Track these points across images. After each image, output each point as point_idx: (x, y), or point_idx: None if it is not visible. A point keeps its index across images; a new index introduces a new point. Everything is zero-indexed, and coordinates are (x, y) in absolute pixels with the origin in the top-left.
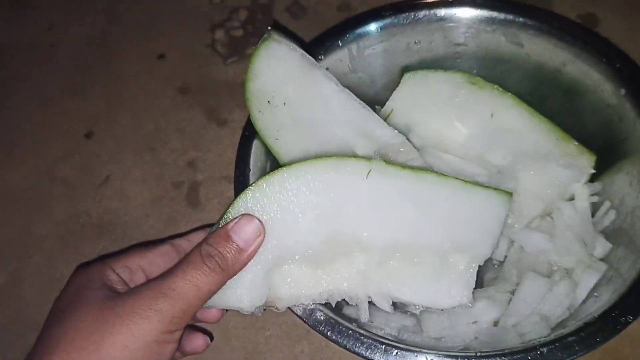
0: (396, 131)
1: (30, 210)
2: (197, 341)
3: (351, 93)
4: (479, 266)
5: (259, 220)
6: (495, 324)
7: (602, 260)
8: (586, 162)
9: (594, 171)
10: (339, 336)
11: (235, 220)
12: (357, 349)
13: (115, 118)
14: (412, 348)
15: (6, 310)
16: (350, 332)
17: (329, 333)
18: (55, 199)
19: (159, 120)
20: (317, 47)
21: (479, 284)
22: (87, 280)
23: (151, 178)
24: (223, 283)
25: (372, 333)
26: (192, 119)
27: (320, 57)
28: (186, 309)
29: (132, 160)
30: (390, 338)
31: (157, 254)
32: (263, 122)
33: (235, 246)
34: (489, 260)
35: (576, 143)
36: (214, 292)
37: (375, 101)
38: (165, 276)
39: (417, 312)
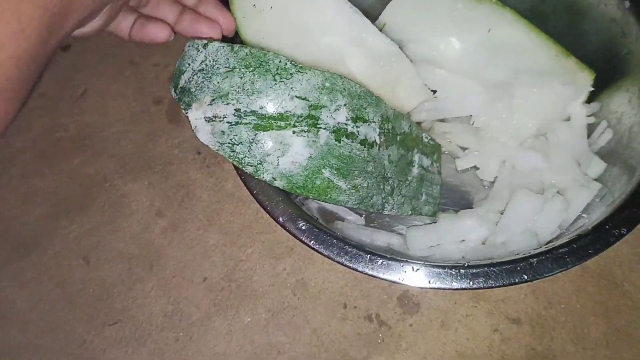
0: (390, 40)
1: None
2: (159, 29)
3: None
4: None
5: None
6: (484, 242)
7: (596, 180)
8: (585, 79)
9: (592, 89)
10: (322, 246)
11: None
12: (340, 259)
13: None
14: (397, 258)
15: None
16: (334, 241)
17: (312, 242)
18: (32, 112)
19: None
20: None
21: (468, 205)
22: None
23: (131, 93)
24: None
25: (357, 243)
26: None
27: None
28: None
29: (111, 74)
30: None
31: None
32: (248, 28)
33: None
34: (479, 181)
35: (575, 59)
36: None
37: (367, 15)
38: None
39: (403, 231)
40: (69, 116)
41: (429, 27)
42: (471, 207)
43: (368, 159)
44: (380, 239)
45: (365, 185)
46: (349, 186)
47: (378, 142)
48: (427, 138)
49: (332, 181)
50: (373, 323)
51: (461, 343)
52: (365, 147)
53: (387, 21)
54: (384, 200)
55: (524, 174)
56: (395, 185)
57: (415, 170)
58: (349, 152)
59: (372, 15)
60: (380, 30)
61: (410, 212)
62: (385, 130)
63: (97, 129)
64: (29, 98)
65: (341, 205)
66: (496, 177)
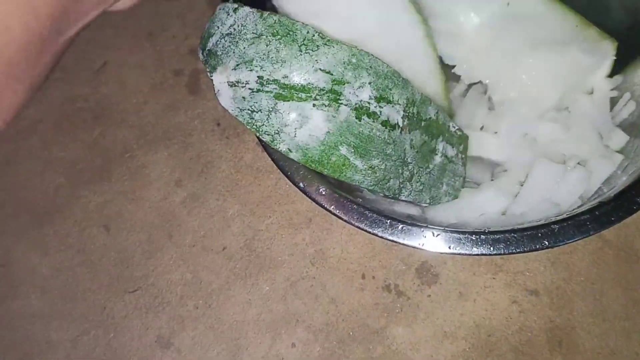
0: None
1: None
2: None
3: None
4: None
5: None
6: (504, 213)
7: (618, 152)
8: (607, 47)
9: (614, 57)
10: (342, 211)
11: None
12: (360, 224)
13: None
14: (418, 223)
15: (0, 191)
16: (354, 207)
17: (332, 208)
18: (50, 84)
19: (159, 5)
20: None
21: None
22: None
23: (150, 65)
24: None
25: (377, 209)
26: (194, 5)
27: None
28: None
29: (130, 47)
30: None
31: None
32: None
33: None
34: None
35: (596, 29)
36: None
37: None
38: None
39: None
40: (89, 88)
41: (448, 1)
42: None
43: (388, 141)
44: (400, 209)
45: (382, 167)
46: (365, 166)
47: (401, 125)
48: (454, 127)
49: (349, 159)
50: (391, 293)
51: (479, 314)
52: (386, 128)
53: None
54: (401, 185)
55: (545, 146)
56: (415, 172)
57: (437, 159)
58: (369, 132)
59: None
60: None
61: (428, 201)
62: (410, 114)
63: (116, 100)
64: (40, 85)
65: (355, 184)
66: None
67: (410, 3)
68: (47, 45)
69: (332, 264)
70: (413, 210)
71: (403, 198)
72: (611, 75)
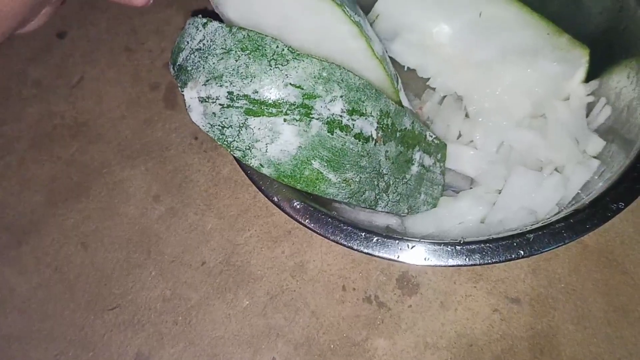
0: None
1: (1, 112)
2: None
3: None
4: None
5: None
6: (482, 221)
7: (595, 158)
8: (579, 55)
9: (586, 65)
10: (317, 225)
11: None
12: (336, 238)
13: (89, 18)
14: (393, 235)
15: None
16: (329, 220)
17: (307, 222)
18: (27, 101)
19: (135, 20)
20: None
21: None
22: None
23: (127, 79)
24: None
25: (352, 221)
26: (170, 19)
27: None
28: None
29: (107, 61)
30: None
31: None
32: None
33: None
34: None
35: (568, 36)
36: None
37: (361, 7)
38: None
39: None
40: (66, 104)
41: (420, 14)
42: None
43: (362, 153)
44: (379, 220)
45: (357, 179)
46: (339, 179)
47: (374, 137)
48: (431, 136)
49: (322, 173)
50: (372, 304)
51: (461, 323)
52: (359, 141)
53: (381, 12)
54: (377, 197)
55: (522, 153)
56: (391, 183)
57: (414, 169)
58: (342, 145)
59: (365, 7)
60: (374, 21)
61: (406, 211)
62: (384, 126)
63: (93, 116)
64: None
65: (330, 197)
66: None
67: (345, 15)
68: None
69: (312, 277)
70: (393, 221)
71: (380, 209)
72: (587, 80)
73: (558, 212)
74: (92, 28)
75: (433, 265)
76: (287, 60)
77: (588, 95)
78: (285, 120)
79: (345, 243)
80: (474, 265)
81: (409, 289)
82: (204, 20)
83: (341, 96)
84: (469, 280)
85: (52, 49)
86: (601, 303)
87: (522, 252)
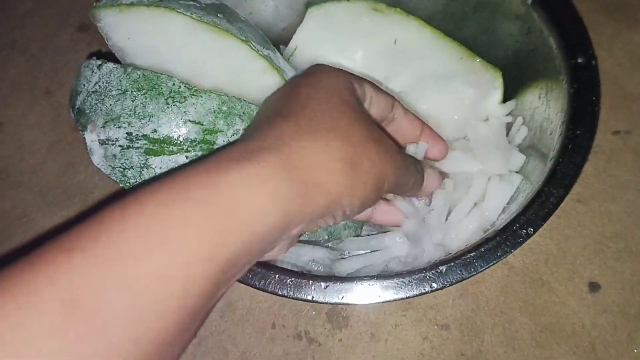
0: None
1: None
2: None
3: None
4: None
5: None
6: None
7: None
8: (492, 78)
9: (501, 87)
10: None
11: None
12: (249, 281)
13: (8, 59)
14: (308, 275)
15: None
16: None
17: None
18: None
19: (56, 60)
20: None
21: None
22: (338, 79)
23: (48, 122)
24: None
25: (267, 264)
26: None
27: None
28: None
29: (27, 104)
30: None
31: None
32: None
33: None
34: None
35: (479, 60)
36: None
37: (281, 41)
38: None
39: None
40: None
41: (337, 45)
42: None
43: None
44: (305, 253)
45: None
46: None
47: None
48: None
49: None
50: (302, 341)
51: (392, 354)
52: None
53: (298, 44)
54: None
55: (452, 174)
56: None
57: None
58: None
59: (285, 40)
60: (292, 54)
61: (327, 237)
62: None
63: (14, 161)
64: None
65: None
66: None
67: (252, 49)
68: (199, 315)
69: (241, 316)
70: (318, 253)
71: (300, 237)
72: (504, 101)
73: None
74: (11, 70)
75: (347, 304)
76: (185, 97)
77: (506, 115)
78: (187, 157)
79: (259, 286)
80: (387, 302)
81: (338, 323)
82: (99, 62)
83: (243, 129)
84: (398, 309)
85: None
86: (529, 324)
87: (435, 285)
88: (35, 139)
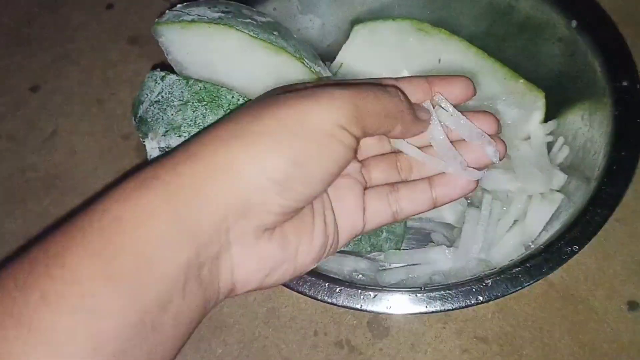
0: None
1: None
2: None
3: None
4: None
5: None
6: (451, 270)
7: (558, 191)
8: (534, 99)
9: (543, 108)
10: None
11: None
12: (300, 288)
13: (61, 71)
14: (357, 285)
15: None
16: None
17: None
18: (0, 155)
19: (107, 72)
20: None
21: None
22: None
23: (99, 130)
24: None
25: (317, 272)
26: (141, 70)
27: None
28: (362, 106)
29: (79, 113)
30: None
31: (359, 83)
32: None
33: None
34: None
35: (522, 81)
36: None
37: (325, 57)
38: None
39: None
40: (38, 157)
41: (382, 62)
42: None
43: None
44: (348, 263)
45: None
46: None
47: None
48: None
49: None
50: (344, 349)
51: None
52: None
53: (344, 61)
54: None
55: (494, 192)
56: None
57: None
58: None
59: (329, 56)
60: (338, 70)
61: (369, 249)
62: None
63: (66, 168)
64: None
65: None
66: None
67: (305, 66)
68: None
69: (284, 323)
70: (361, 264)
71: (342, 249)
72: (546, 120)
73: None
74: (64, 81)
75: (395, 314)
76: None
77: (547, 134)
78: None
79: (310, 294)
80: (435, 312)
81: (379, 332)
82: (162, 73)
83: None
84: (438, 321)
85: (25, 103)
86: (567, 340)
87: (480, 298)
88: (87, 147)
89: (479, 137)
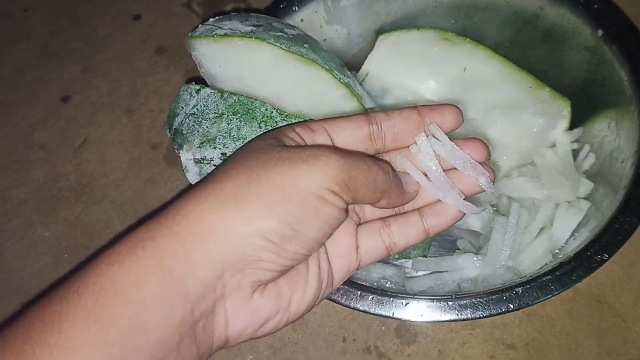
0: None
1: (7, 176)
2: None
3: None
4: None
5: None
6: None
7: (584, 199)
8: (560, 107)
9: (568, 116)
10: None
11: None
12: (332, 296)
13: (91, 81)
14: (388, 292)
15: None
16: None
17: None
18: (33, 164)
19: (136, 82)
20: None
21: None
22: (261, 137)
23: (129, 140)
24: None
25: (348, 281)
26: (168, 80)
27: (294, 9)
28: (355, 177)
29: (109, 123)
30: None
31: (350, 119)
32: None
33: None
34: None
35: (548, 89)
36: (376, 193)
37: (351, 66)
38: None
39: (397, 262)
40: (70, 166)
41: (408, 72)
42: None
43: None
44: (376, 270)
45: None
46: None
47: None
48: None
49: None
50: (372, 355)
51: None
52: None
53: (370, 70)
54: None
55: (520, 200)
56: None
57: None
58: None
59: (355, 66)
60: (364, 79)
61: (397, 256)
62: None
63: (97, 177)
64: None
65: None
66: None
67: (335, 78)
68: None
69: (313, 329)
70: (388, 271)
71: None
72: (571, 128)
73: (542, 267)
74: (94, 91)
75: (427, 322)
76: (277, 122)
77: (573, 142)
78: None
79: (342, 302)
80: (466, 320)
81: (407, 338)
82: (197, 87)
83: None
84: (465, 327)
85: (56, 113)
86: (594, 346)
87: (511, 306)
88: (117, 156)
89: (473, 168)
